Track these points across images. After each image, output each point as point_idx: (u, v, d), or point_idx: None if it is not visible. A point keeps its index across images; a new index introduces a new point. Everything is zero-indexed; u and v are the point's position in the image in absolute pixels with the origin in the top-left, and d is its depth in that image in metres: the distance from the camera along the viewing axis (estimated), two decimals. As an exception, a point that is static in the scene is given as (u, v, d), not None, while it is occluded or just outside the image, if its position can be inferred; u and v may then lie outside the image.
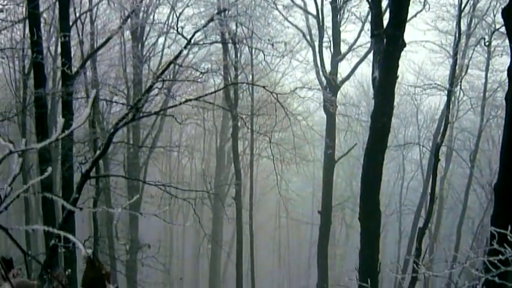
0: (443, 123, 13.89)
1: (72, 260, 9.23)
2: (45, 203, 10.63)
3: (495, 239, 5.40)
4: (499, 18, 12.03)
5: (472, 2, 16.56)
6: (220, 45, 16.84)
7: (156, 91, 14.61)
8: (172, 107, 14.60)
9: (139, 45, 17.89)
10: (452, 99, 18.21)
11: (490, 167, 24.25)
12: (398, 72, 10.25)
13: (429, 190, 14.43)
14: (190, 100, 10.49)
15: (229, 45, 16.13)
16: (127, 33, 17.72)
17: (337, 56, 16.69)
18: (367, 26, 15.39)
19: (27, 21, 11.66)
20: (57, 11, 12.98)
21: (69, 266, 8.81)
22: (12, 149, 1.98)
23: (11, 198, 1.94)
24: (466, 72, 15.99)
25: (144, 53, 18.45)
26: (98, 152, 9.70)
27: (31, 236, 19.26)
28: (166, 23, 17.97)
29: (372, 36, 11.71)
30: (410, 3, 10.26)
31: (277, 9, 16.81)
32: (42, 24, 11.88)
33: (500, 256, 5.16)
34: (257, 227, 23.23)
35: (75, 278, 8.40)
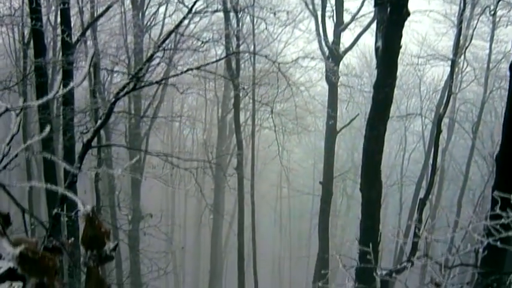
0: (446, 94, 13.83)
1: (75, 228, 9.27)
2: (47, 175, 10.66)
3: (497, 205, 5.40)
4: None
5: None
6: (221, 15, 16.66)
7: (157, 60, 14.52)
8: (173, 76, 14.53)
9: (140, 15, 17.71)
10: (456, 70, 18.07)
11: (492, 139, 24.24)
12: (402, 43, 10.12)
13: (431, 161, 14.44)
14: (192, 69, 10.40)
15: (231, 14, 15.94)
16: (127, 2, 17.54)
17: (340, 26, 16.50)
18: (371, -6, 15.18)
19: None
20: (55, -22, 12.80)
21: (72, 235, 8.85)
22: (9, 107, 1.95)
23: (9, 157, 1.92)
24: (470, 42, 15.80)
25: (145, 22, 18.27)
26: (99, 121, 9.64)
27: (34, 207, 19.42)
28: (168, -9, 17.81)
29: (375, 5, 11.55)
30: (415, -29, 10.09)
31: (279, -23, 16.60)
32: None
33: (503, 220, 5.16)
34: (258, 197, 23.33)
35: (78, 246, 8.45)
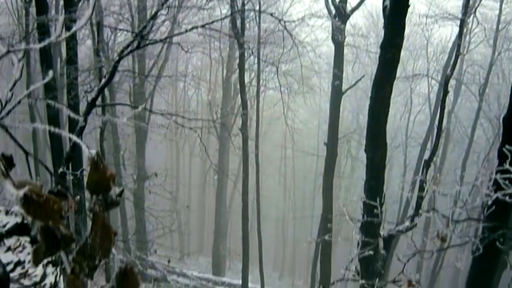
0: (454, 55, 13.61)
1: (80, 187, 9.30)
2: (52, 134, 10.65)
3: (506, 161, 5.39)
4: None
5: None
6: (227, -28, 16.35)
7: (161, 18, 14.30)
8: (178, 34, 14.34)
9: (144, -29, 17.39)
10: (464, 30, 17.78)
11: (498, 102, 24.08)
12: (410, 2, 9.91)
13: (436, 123, 14.35)
14: (197, 28, 10.24)
15: (236, -29, 15.64)
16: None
17: (347, -16, 16.17)
18: (380, -49, 14.79)
19: None
20: None
21: (78, 193, 8.89)
22: (11, 48, 1.91)
23: (12, 104, 1.89)
24: (480, 2, 15.51)
25: (149, -22, 17.96)
26: (104, 80, 9.58)
27: (39, 166, 19.49)
28: None
29: (383, -37, 11.27)
30: None
31: None
32: None
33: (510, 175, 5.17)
34: (263, 157, 23.35)
35: (83, 203, 8.50)
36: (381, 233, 10.92)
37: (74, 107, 10.53)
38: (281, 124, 35.39)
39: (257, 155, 17.88)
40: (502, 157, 5.95)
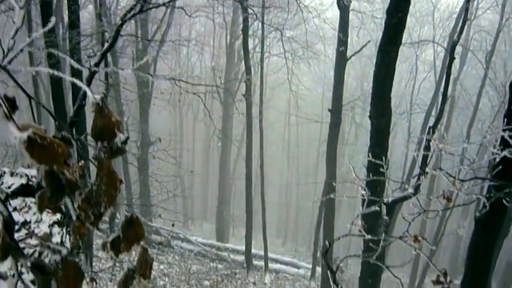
0: (461, 20, 13.41)
1: (85, 150, 9.32)
2: (56, 98, 10.62)
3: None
4: None
5: None
6: None
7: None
8: (181, -3, 14.14)
9: None
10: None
11: (504, 69, 23.85)
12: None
13: (441, 89, 14.23)
14: (200, -9, 10.08)
15: None
16: None
17: None
18: None
19: None
20: None
21: (82, 158, 8.91)
22: None
23: (14, 52, 1.86)
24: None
25: None
26: (106, 44, 9.47)
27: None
28: None
29: None
30: None
31: None
32: None
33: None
34: (267, 125, 23.32)
35: (88, 166, 8.53)
36: (384, 199, 10.98)
37: (76, 72, 10.46)
38: (285, 91, 35.26)
39: (261, 120, 17.86)
40: (509, 117, 5.90)
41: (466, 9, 10.75)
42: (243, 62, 20.35)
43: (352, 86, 32.89)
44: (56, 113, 10.62)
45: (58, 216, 4.12)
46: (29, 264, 1.80)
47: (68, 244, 3.97)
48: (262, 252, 20.81)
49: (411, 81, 29.09)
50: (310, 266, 21.36)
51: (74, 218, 1.55)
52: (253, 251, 19.88)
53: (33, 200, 3.75)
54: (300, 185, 36.92)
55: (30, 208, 4.06)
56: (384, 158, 11.79)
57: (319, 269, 19.84)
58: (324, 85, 33.58)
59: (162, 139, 15.62)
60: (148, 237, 20.85)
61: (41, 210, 1.61)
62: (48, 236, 3.93)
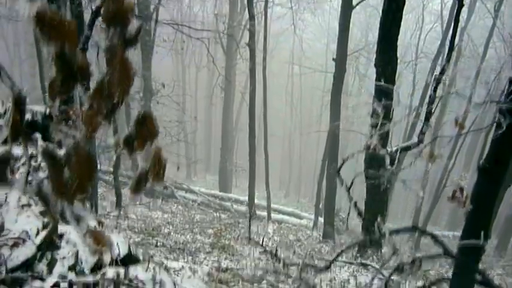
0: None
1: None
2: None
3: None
4: None
5: None
6: None
7: None
8: None
9: None
10: None
11: (513, 20, 23.42)
12: None
13: (448, 39, 13.98)
14: None
15: None
16: None
17: None
18: None
19: None
20: None
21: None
22: None
23: None
24: None
25: None
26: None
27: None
28: None
29: None
30: None
31: None
32: None
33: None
34: (270, 75, 23.04)
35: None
36: (388, 148, 10.93)
37: (77, 16, 10.24)
38: (288, 41, 34.82)
39: (264, 67, 17.65)
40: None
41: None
42: (246, 10, 19.95)
43: (357, 37, 32.39)
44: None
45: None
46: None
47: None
48: (264, 203, 20.97)
49: (417, 31, 28.63)
50: (313, 217, 21.55)
51: (87, 107, 1.49)
52: (256, 201, 20.01)
53: (39, 135, 3.70)
54: (302, 135, 36.96)
55: (37, 142, 4.00)
56: (388, 107, 11.73)
57: (321, 219, 20.03)
58: (328, 36, 33.09)
59: (165, 85, 15.40)
60: (151, 188, 21.00)
61: (52, 98, 1.55)
62: None
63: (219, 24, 22.97)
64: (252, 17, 16.59)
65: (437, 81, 12.14)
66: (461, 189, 4.15)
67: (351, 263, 11.47)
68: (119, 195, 14.02)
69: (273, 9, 27.75)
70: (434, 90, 11.99)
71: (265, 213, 20.53)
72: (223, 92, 26.12)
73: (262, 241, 12.64)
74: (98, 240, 1.77)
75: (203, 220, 17.28)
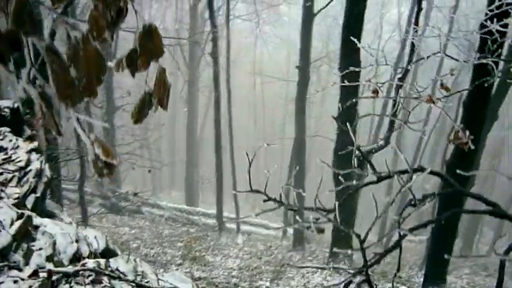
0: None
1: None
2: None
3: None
4: None
5: None
6: None
7: None
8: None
9: None
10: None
11: (467, 25, 24.01)
12: None
13: (408, 45, 14.26)
14: None
15: None
16: None
17: None
18: None
19: None
20: None
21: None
22: None
23: None
24: None
25: None
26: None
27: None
28: None
29: None
30: None
31: None
32: None
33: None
34: (233, 87, 23.03)
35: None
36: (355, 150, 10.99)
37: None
38: (250, 53, 35.00)
39: (228, 79, 17.67)
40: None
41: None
42: (206, 22, 19.99)
43: (318, 49, 32.74)
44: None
45: (35, 143, 3.96)
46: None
47: (47, 172, 3.82)
48: (232, 215, 20.85)
49: (376, 40, 29.13)
50: (281, 227, 21.50)
51: (92, 7, 1.41)
52: (224, 213, 19.86)
53: (7, 129, 3.57)
54: (267, 148, 36.93)
55: (5, 136, 3.85)
56: (353, 111, 11.87)
57: (290, 230, 20.02)
58: (289, 48, 33.37)
59: (131, 92, 15.19)
60: (117, 204, 20.60)
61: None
62: (27, 162, 3.77)
63: (181, 32, 22.86)
64: (214, 26, 16.59)
65: (399, 85, 12.33)
66: (464, 130, 4.17)
67: (323, 268, 11.48)
68: (84, 212, 13.71)
69: (234, 21, 27.84)
70: (397, 93, 12.17)
71: (233, 226, 20.40)
72: (186, 106, 25.99)
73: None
74: (106, 150, 1.66)
75: (172, 234, 17.06)
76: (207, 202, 30.74)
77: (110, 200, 19.94)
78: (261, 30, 27.46)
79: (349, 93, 10.56)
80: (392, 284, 3.69)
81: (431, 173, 3.49)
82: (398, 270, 3.72)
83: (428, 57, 6.38)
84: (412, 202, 3.66)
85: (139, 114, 1.61)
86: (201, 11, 26.14)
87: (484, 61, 5.45)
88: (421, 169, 3.44)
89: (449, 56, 5.63)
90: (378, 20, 28.27)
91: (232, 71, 23.09)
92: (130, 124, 18.02)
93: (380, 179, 3.69)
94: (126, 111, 16.88)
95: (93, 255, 3.25)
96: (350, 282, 3.32)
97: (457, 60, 6.62)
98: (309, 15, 15.52)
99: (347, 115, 11.34)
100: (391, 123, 11.63)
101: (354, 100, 11.48)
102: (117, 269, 3.08)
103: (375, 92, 5.01)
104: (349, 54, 11.02)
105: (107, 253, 3.34)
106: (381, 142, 11.58)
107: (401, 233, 3.50)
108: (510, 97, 14.97)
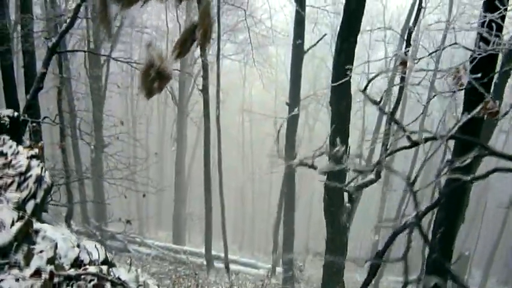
0: (415, 8, 13.78)
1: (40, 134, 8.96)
2: (7, 83, 10.12)
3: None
4: None
5: None
6: None
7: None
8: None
9: None
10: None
11: (451, 62, 24.51)
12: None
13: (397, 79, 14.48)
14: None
15: None
16: None
17: None
18: None
19: None
20: None
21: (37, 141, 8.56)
22: None
23: None
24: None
25: None
26: (65, 25, 9.22)
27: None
28: None
29: None
30: None
31: None
32: None
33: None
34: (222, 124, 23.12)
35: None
36: (345, 188, 11.07)
37: (30, 57, 10.04)
38: (238, 91, 35.33)
39: (218, 117, 17.70)
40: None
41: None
42: (197, 60, 20.19)
43: (306, 88, 33.14)
44: (6, 98, 10.07)
45: (35, 150, 3.91)
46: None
47: (47, 179, 3.75)
48: (220, 254, 20.59)
49: (364, 80, 29.48)
50: (270, 266, 21.26)
51: None
52: (212, 252, 19.65)
53: (7, 136, 3.52)
54: (255, 185, 36.95)
55: (5, 143, 3.80)
56: (344, 145, 11.83)
57: (279, 269, 19.79)
58: (276, 88, 33.73)
59: (122, 122, 15.15)
60: (104, 242, 20.22)
61: None
62: (27, 168, 3.70)
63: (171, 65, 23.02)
64: (205, 65, 16.75)
65: (392, 115, 12.43)
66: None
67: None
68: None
69: (223, 61, 28.15)
70: (390, 123, 12.27)
71: (221, 265, 20.11)
72: (175, 144, 25.95)
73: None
74: (160, 58, 1.59)
75: (159, 272, 16.78)
76: (194, 243, 30.35)
77: (96, 237, 19.61)
78: (249, 71, 27.85)
79: (339, 130, 10.69)
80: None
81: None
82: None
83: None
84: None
85: (182, 48, 1.58)
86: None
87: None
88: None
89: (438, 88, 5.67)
90: (365, 59, 28.74)
91: (221, 109, 23.25)
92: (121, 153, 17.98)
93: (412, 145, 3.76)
94: (121, 140, 16.82)
95: (93, 263, 3.16)
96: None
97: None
98: (299, 53, 15.73)
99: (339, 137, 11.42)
100: (385, 152, 11.69)
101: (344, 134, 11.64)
102: (118, 278, 3.00)
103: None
104: (340, 88, 11.15)
105: (107, 264, 3.24)
106: (372, 176, 11.61)
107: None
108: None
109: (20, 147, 3.87)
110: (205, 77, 16.65)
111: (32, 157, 3.88)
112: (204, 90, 16.70)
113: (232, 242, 39.78)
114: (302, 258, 19.98)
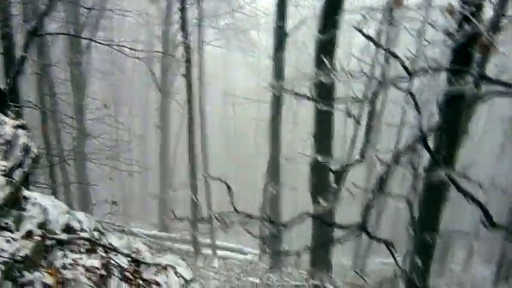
0: None
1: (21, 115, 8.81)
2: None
3: None
4: None
5: None
6: None
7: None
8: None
9: None
10: None
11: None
12: None
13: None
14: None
15: None
16: None
17: None
18: None
19: None
20: None
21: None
22: None
23: None
24: None
25: None
26: (44, 7, 9.07)
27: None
28: None
29: None
30: None
31: None
32: None
33: None
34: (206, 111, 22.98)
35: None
36: (332, 168, 11.09)
37: (8, 41, 9.84)
38: (221, 77, 35.18)
39: (201, 106, 17.65)
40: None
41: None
42: (178, 48, 20.07)
43: (288, 75, 33.05)
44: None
45: (22, 121, 3.87)
46: None
47: (34, 149, 3.71)
48: (207, 240, 20.64)
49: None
50: (257, 252, 21.36)
51: None
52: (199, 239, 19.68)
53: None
54: (239, 172, 36.97)
55: (-10, 113, 3.75)
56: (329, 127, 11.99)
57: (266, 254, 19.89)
58: (259, 75, 33.57)
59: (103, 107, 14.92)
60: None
61: None
62: (14, 136, 3.65)
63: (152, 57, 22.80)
64: (187, 48, 16.60)
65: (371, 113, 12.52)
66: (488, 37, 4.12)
67: (303, 286, 11.42)
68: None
69: (206, 48, 27.97)
70: (370, 119, 12.33)
71: (208, 251, 20.15)
72: (158, 130, 25.84)
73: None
74: None
75: (146, 260, 16.66)
76: (180, 228, 30.23)
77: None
78: (232, 57, 27.75)
79: (324, 113, 10.71)
80: None
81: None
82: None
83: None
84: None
85: None
86: (172, 36, 26.09)
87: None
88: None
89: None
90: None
91: (205, 94, 23.16)
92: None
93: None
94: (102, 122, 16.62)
95: (84, 231, 3.14)
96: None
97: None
98: (282, 35, 15.64)
99: (322, 132, 11.45)
100: (367, 136, 11.74)
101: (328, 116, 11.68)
102: (110, 244, 2.98)
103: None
104: (323, 70, 11.14)
105: (98, 232, 3.22)
106: (357, 157, 11.63)
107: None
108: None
109: (6, 118, 3.83)
110: (187, 61, 16.50)
111: (18, 127, 3.84)
112: (187, 74, 16.56)
113: (218, 228, 39.77)
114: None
